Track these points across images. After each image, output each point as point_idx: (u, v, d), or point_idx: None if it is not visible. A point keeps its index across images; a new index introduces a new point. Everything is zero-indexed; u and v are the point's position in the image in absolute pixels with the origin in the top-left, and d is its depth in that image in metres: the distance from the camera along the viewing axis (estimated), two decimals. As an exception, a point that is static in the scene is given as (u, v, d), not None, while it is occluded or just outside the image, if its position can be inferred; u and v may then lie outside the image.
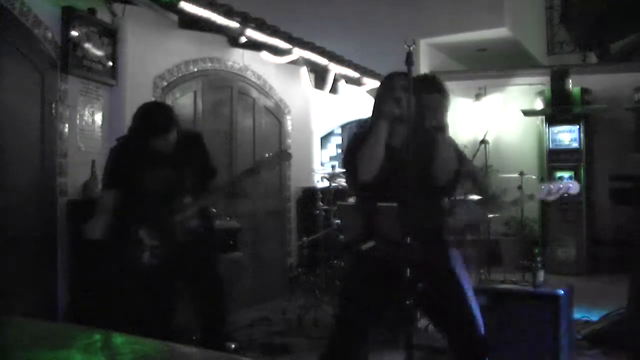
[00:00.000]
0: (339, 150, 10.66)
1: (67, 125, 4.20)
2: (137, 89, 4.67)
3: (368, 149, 2.49)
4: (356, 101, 8.52)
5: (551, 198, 3.29)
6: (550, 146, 7.81)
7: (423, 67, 8.04)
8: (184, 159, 3.19)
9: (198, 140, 3.39)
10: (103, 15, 4.48)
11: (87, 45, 4.29)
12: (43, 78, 4.03)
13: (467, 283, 2.79)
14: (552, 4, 10.14)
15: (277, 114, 6.61)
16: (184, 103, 5.22)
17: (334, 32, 7.36)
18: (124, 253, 3.19)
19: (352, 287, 2.65)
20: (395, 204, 2.35)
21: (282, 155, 3.52)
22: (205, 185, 3.27)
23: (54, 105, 4.09)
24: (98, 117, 4.49)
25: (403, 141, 2.47)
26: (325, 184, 5.88)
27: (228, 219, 5.01)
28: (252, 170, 3.34)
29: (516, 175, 5.64)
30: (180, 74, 5.18)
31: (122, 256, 3.23)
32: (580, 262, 7.50)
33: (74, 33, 4.17)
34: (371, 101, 2.70)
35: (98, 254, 3.91)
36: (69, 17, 4.14)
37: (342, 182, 5.55)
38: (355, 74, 7.27)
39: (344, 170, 2.66)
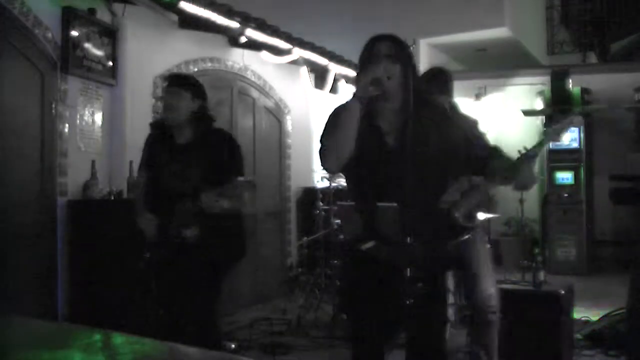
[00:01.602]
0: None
1: (67, 125, 4.19)
2: (137, 89, 4.67)
3: (334, 135, 2.07)
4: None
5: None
6: (550, 146, 7.79)
7: (423, 67, 8.02)
8: (199, 155, 2.92)
9: (224, 139, 3.07)
10: (103, 15, 4.48)
11: (87, 45, 4.29)
12: (43, 78, 4.03)
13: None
14: (552, 4, 10.14)
15: (277, 114, 6.60)
16: (184, 103, 5.20)
17: (334, 32, 7.36)
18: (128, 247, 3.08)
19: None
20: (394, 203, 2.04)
21: (246, 186, 2.88)
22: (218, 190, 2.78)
23: (54, 105, 4.09)
24: (98, 117, 4.49)
25: (395, 124, 2.09)
26: (325, 184, 5.88)
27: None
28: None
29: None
30: (180, 74, 5.18)
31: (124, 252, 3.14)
32: (580, 262, 7.50)
33: (74, 33, 4.17)
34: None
35: (98, 254, 3.93)
36: (69, 17, 4.14)
37: (342, 182, 5.54)
38: (355, 74, 7.26)
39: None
